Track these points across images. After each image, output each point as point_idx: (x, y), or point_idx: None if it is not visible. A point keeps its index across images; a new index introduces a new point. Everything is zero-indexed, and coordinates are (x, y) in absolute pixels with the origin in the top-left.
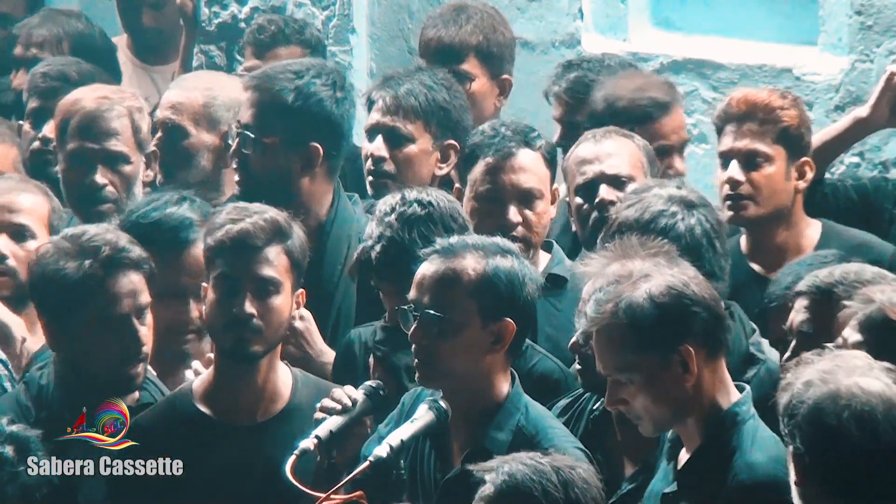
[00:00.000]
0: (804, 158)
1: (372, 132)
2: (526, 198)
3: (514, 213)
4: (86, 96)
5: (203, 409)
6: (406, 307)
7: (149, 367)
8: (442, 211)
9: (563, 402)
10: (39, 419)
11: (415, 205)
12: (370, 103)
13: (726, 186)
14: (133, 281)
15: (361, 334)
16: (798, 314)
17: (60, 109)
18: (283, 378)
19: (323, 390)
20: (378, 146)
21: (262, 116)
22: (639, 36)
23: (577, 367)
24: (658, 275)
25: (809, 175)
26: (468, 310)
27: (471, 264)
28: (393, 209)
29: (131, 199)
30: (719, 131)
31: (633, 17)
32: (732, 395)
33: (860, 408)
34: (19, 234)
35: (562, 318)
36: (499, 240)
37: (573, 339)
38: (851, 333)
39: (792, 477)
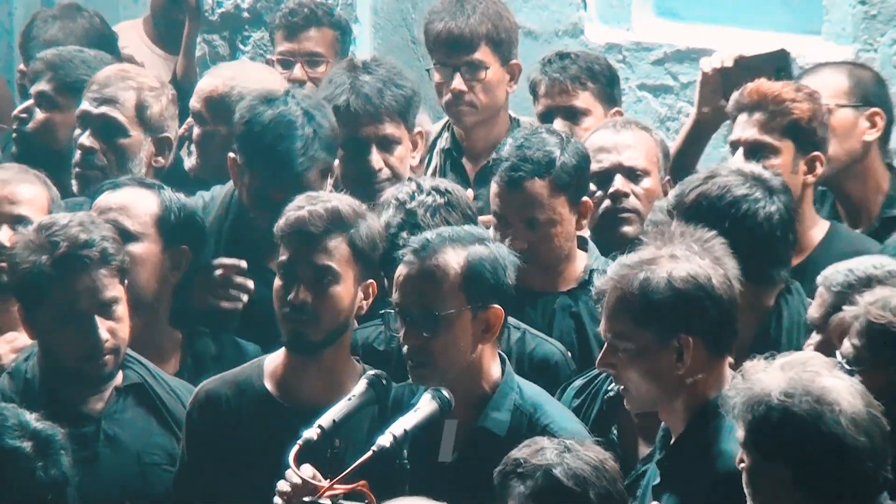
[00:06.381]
0: (815, 153)
1: None
2: (532, 224)
3: (519, 240)
4: (106, 68)
5: (270, 388)
6: (392, 310)
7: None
8: (458, 197)
9: (578, 383)
10: None
11: (434, 193)
12: None
13: None
14: (94, 277)
15: (360, 335)
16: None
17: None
18: (350, 371)
19: None
20: (373, 157)
21: None
22: (642, 25)
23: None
24: (686, 261)
25: (819, 170)
26: (458, 302)
27: (452, 258)
28: (412, 196)
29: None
30: (733, 120)
31: (637, 7)
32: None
33: (851, 409)
34: (20, 225)
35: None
36: (470, 228)
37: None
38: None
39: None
